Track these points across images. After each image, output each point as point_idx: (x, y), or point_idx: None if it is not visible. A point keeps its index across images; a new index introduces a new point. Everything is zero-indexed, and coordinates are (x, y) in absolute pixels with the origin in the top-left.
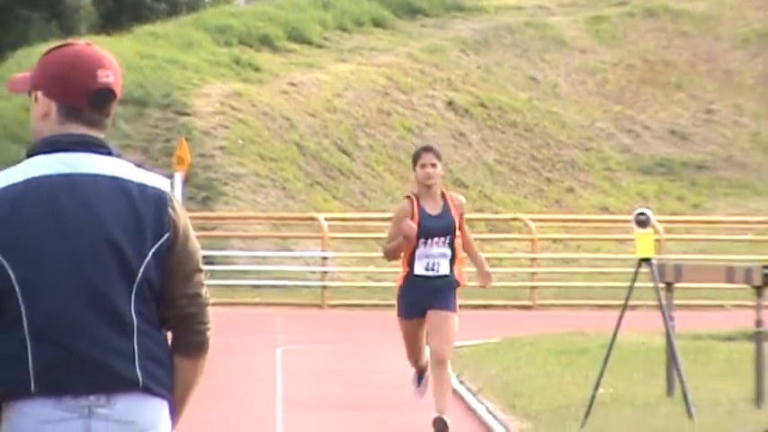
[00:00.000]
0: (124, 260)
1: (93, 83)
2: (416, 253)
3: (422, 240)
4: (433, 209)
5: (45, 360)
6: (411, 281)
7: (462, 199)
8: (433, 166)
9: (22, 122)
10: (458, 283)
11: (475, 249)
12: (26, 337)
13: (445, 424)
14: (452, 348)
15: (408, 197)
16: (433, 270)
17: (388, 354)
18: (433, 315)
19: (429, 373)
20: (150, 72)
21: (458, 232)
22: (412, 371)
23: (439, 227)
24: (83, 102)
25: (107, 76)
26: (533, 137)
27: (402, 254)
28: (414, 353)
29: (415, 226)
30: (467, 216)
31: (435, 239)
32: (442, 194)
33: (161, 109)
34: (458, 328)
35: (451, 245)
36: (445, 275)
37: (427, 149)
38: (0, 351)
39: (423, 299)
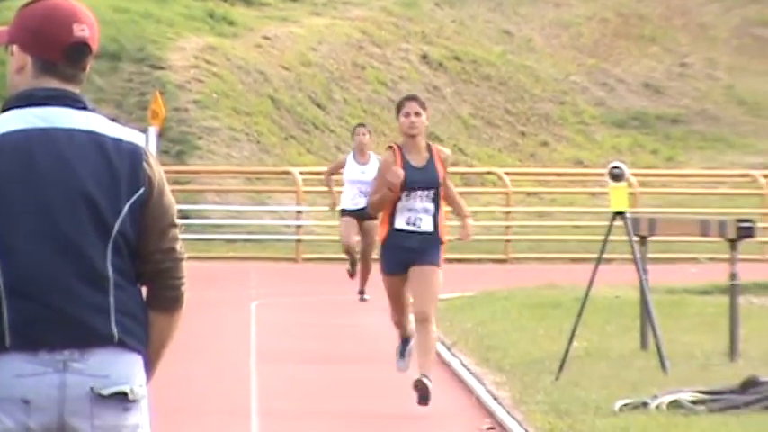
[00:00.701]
0: (99, 215)
1: (68, 36)
2: (398, 206)
3: (404, 193)
4: (417, 161)
5: (20, 315)
6: (392, 236)
7: (448, 152)
8: (417, 114)
9: None
10: (441, 241)
11: (458, 200)
12: (1, 291)
13: (426, 388)
14: (436, 305)
15: (390, 147)
16: (414, 225)
17: (362, 308)
18: (415, 271)
19: (413, 344)
20: (124, 26)
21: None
22: (396, 342)
23: (422, 179)
24: (58, 55)
25: (82, 30)
26: (507, 91)
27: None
28: (397, 311)
29: (401, 172)
30: None
31: (419, 193)
32: (428, 147)
33: (135, 63)
34: (442, 284)
35: (435, 200)
36: (427, 232)
37: (411, 98)
38: None
39: (405, 254)
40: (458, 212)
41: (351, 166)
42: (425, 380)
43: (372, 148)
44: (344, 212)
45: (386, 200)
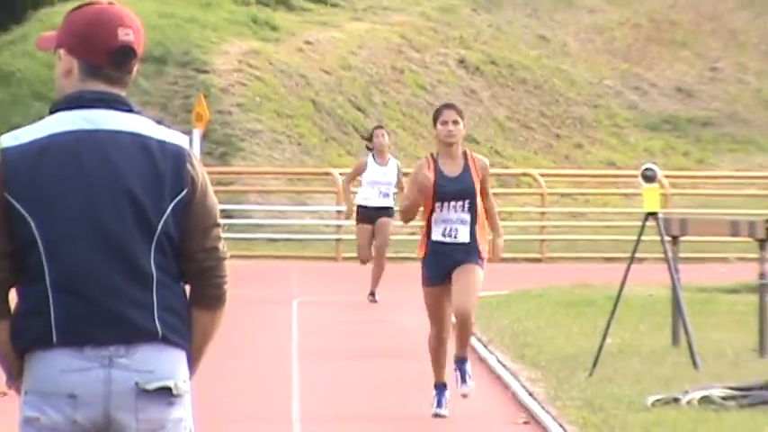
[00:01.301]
0: (144, 214)
1: (113, 41)
2: (433, 218)
3: (438, 204)
4: (452, 170)
5: (66, 312)
6: (430, 248)
7: (485, 161)
8: (455, 123)
9: (46, 80)
10: (480, 252)
11: (495, 217)
12: (48, 289)
13: (464, 360)
14: (475, 304)
15: (426, 158)
16: (450, 236)
17: (400, 305)
18: (456, 271)
19: (448, 391)
20: (170, 31)
21: (479, 197)
22: (432, 391)
23: (456, 190)
24: (103, 59)
25: (127, 35)
26: (543, 94)
27: (420, 213)
28: (436, 322)
29: (431, 176)
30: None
31: (452, 203)
32: (465, 155)
33: (180, 67)
34: (481, 285)
35: (471, 210)
36: (464, 243)
37: (449, 106)
38: (24, 303)
39: (444, 266)
40: (491, 227)
41: (372, 167)
42: (464, 379)
43: (410, 150)
44: (360, 210)
45: (417, 204)
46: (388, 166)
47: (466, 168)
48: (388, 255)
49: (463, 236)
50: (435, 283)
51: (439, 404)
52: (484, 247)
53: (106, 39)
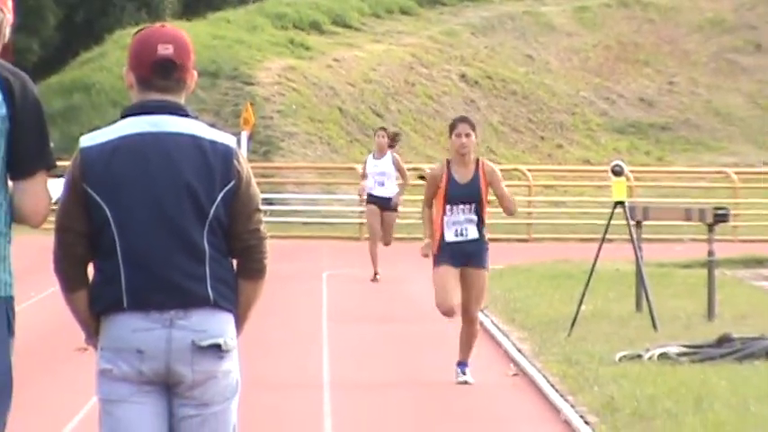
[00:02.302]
0: (198, 203)
1: (153, 55)
2: (445, 220)
3: (448, 207)
4: (463, 177)
5: (135, 282)
6: (444, 248)
7: (492, 167)
8: (467, 135)
9: (119, 90)
10: (487, 245)
11: (509, 204)
12: (120, 263)
13: (465, 382)
14: (482, 305)
15: (442, 163)
16: (462, 235)
17: (414, 276)
18: (466, 273)
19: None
20: (222, 50)
21: (485, 201)
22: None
23: (464, 195)
24: (148, 71)
25: (166, 49)
26: (529, 103)
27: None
28: (442, 295)
29: (429, 253)
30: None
31: (461, 206)
32: (477, 163)
33: (230, 80)
34: (488, 285)
35: (477, 212)
36: (474, 239)
37: (463, 120)
38: (100, 275)
39: (457, 257)
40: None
41: (370, 161)
42: (465, 373)
43: (420, 149)
44: (370, 197)
45: (427, 221)
46: (383, 160)
47: (476, 176)
48: (399, 235)
49: (473, 233)
50: (447, 263)
51: (463, 372)
52: (487, 242)
53: (149, 53)
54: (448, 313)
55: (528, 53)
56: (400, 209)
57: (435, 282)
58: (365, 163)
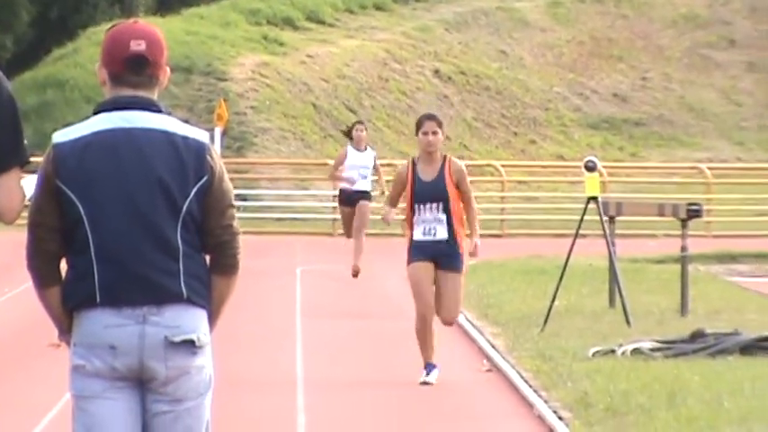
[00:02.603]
0: (171, 198)
1: (125, 51)
2: (414, 219)
3: (416, 206)
4: (428, 175)
5: (108, 278)
6: (415, 246)
7: (459, 164)
8: (434, 133)
9: (93, 86)
10: (459, 247)
11: (472, 220)
12: (93, 259)
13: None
14: (459, 311)
15: (407, 162)
16: (430, 234)
17: (386, 273)
18: (440, 276)
19: (436, 370)
20: (195, 46)
21: (453, 199)
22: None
23: (430, 192)
24: (120, 66)
25: (138, 45)
26: (503, 99)
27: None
28: (421, 299)
29: (391, 218)
30: None
31: (428, 205)
32: (443, 160)
33: (204, 76)
34: (464, 287)
35: (446, 210)
36: (444, 240)
37: (430, 117)
38: (72, 271)
39: (428, 252)
40: (469, 228)
41: (351, 154)
42: (430, 374)
43: (394, 144)
44: (342, 194)
45: (396, 198)
46: (365, 153)
47: (441, 173)
48: (374, 231)
49: (441, 233)
50: (420, 259)
51: (428, 373)
52: (464, 244)
53: (121, 49)
54: (427, 308)
55: (501, 49)
56: (374, 205)
57: (411, 281)
58: (340, 157)
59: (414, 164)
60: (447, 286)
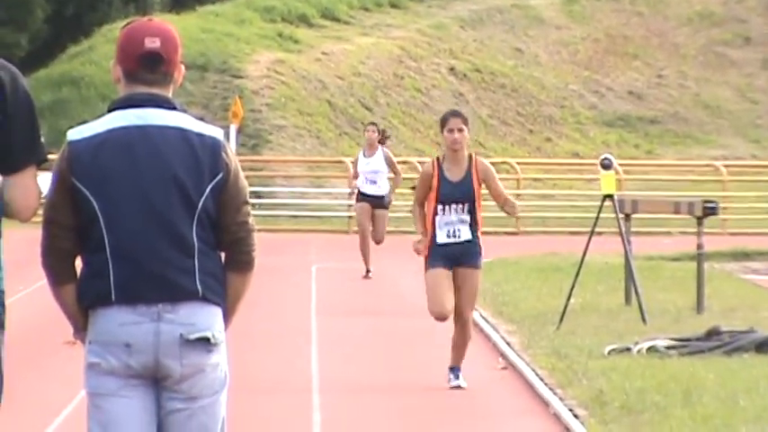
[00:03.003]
0: (186, 195)
1: (140, 48)
2: (437, 221)
3: (440, 207)
4: (455, 174)
5: (123, 275)
6: (436, 249)
7: (487, 164)
8: (460, 131)
9: (108, 84)
10: (480, 247)
11: (506, 200)
12: (108, 257)
13: (456, 374)
14: (474, 306)
15: (432, 161)
16: (454, 236)
17: (401, 271)
18: (457, 273)
19: (460, 365)
20: (211, 43)
21: (478, 201)
22: (446, 366)
23: (456, 193)
24: (134, 64)
25: (153, 42)
26: (518, 96)
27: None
28: (435, 305)
29: (423, 252)
30: None
31: (453, 206)
32: (470, 159)
33: (219, 73)
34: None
35: (471, 211)
36: (468, 240)
37: (455, 114)
38: (88, 268)
39: (449, 258)
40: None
41: (360, 159)
42: (457, 377)
43: (409, 142)
44: (360, 195)
45: (419, 217)
46: (374, 157)
47: (468, 174)
48: (392, 229)
49: (465, 234)
50: (439, 265)
51: (456, 377)
52: (482, 245)
53: (135, 47)
54: (441, 317)
55: (517, 46)
56: (397, 205)
57: (428, 285)
58: (356, 161)
59: (439, 163)
60: (465, 282)
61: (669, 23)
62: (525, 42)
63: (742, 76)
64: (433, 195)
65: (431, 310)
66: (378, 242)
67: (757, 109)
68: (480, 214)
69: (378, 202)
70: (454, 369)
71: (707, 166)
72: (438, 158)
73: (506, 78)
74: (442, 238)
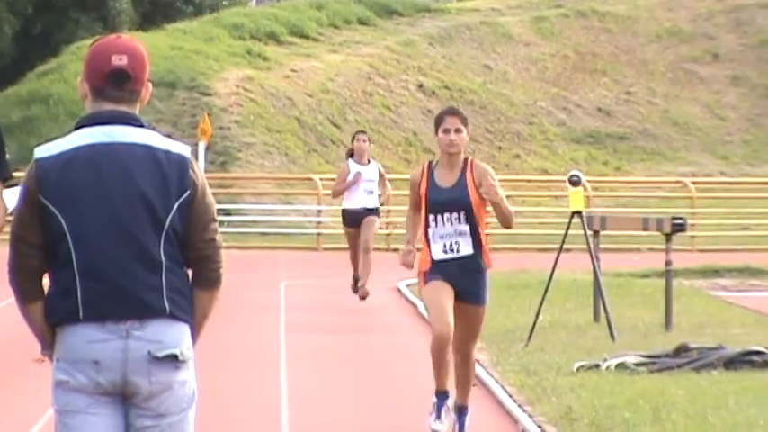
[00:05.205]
0: (154, 212)
1: (107, 65)
2: (430, 234)
3: (431, 217)
4: (447, 180)
5: (90, 293)
6: (434, 268)
7: (484, 167)
8: (458, 131)
9: (77, 102)
10: (486, 266)
11: (504, 211)
12: (76, 274)
13: (465, 410)
14: (477, 338)
15: (424, 164)
16: (452, 251)
17: (372, 287)
18: (461, 309)
19: (450, 401)
20: (179, 61)
21: (477, 207)
22: (432, 398)
23: (448, 201)
24: (101, 81)
25: (120, 60)
26: (487, 113)
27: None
28: (439, 319)
29: (411, 262)
30: None
31: (446, 215)
32: (465, 163)
33: (188, 90)
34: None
35: (470, 221)
36: (468, 255)
37: (452, 112)
38: (56, 286)
39: (451, 273)
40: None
41: (354, 168)
42: (466, 411)
43: (378, 159)
44: (345, 214)
45: (410, 223)
46: (369, 166)
47: (462, 177)
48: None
49: (465, 248)
50: (439, 277)
51: (438, 416)
52: (488, 258)
53: (102, 64)
54: (446, 337)
55: (485, 63)
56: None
57: (429, 299)
58: (342, 173)
59: (430, 168)
60: (470, 320)
61: (638, 40)
62: (494, 59)
63: (711, 93)
64: (423, 204)
65: (434, 330)
66: (366, 250)
67: (726, 126)
68: (483, 224)
69: (370, 214)
70: (461, 413)
71: (676, 182)
72: (430, 162)
73: (475, 95)
74: (438, 253)
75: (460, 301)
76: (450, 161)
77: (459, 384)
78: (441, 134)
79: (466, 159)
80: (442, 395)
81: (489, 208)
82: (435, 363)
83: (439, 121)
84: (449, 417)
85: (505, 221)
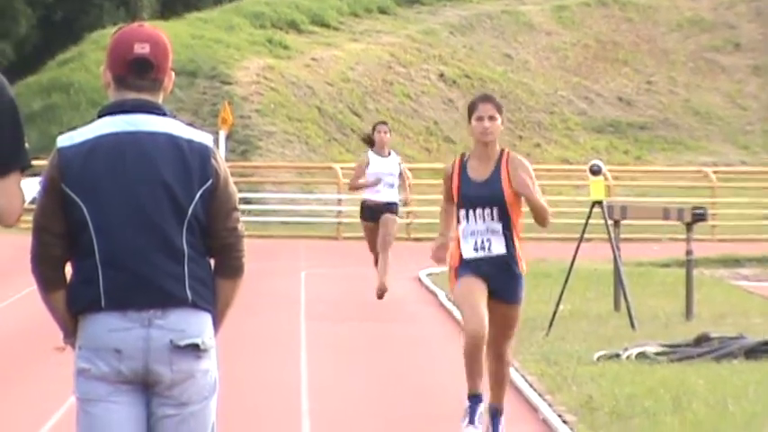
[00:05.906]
0: (176, 201)
1: (129, 53)
2: (461, 230)
3: (463, 213)
4: (480, 173)
5: (112, 282)
6: (464, 266)
7: (521, 160)
8: (492, 119)
9: (98, 90)
10: (519, 269)
11: (540, 214)
12: (98, 263)
13: (500, 412)
14: (512, 336)
15: (457, 157)
16: (483, 249)
17: (391, 277)
18: (494, 306)
19: (483, 405)
20: (200, 49)
21: (516, 203)
22: (465, 402)
23: (481, 195)
24: (124, 70)
25: (143, 48)
26: (508, 103)
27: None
28: (473, 316)
29: (443, 260)
30: None
31: (479, 211)
32: (501, 155)
33: (208, 79)
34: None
35: (503, 218)
36: (502, 255)
37: (486, 99)
38: (78, 275)
39: (483, 271)
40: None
41: (374, 160)
42: (500, 414)
43: (399, 149)
44: (364, 207)
45: (443, 216)
46: (389, 158)
47: (496, 171)
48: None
49: (498, 247)
50: (472, 274)
51: (471, 421)
52: (522, 263)
53: (125, 52)
54: (479, 337)
55: (506, 52)
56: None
57: (461, 297)
58: (361, 165)
59: (462, 161)
60: (503, 318)
61: (659, 29)
62: (515, 48)
63: (732, 83)
64: (454, 198)
65: (467, 328)
66: (384, 248)
67: (747, 115)
68: (518, 223)
69: (390, 208)
70: (495, 415)
71: (696, 172)
72: (462, 155)
73: (496, 84)
74: (468, 251)
75: (494, 298)
76: (484, 151)
77: (494, 386)
78: (474, 122)
79: (502, 151)
80: (474, 399)
81: (525, 208)
82: (468, 364)
83: (472, 109)
84: (482, 422)
85: (539, 218)
